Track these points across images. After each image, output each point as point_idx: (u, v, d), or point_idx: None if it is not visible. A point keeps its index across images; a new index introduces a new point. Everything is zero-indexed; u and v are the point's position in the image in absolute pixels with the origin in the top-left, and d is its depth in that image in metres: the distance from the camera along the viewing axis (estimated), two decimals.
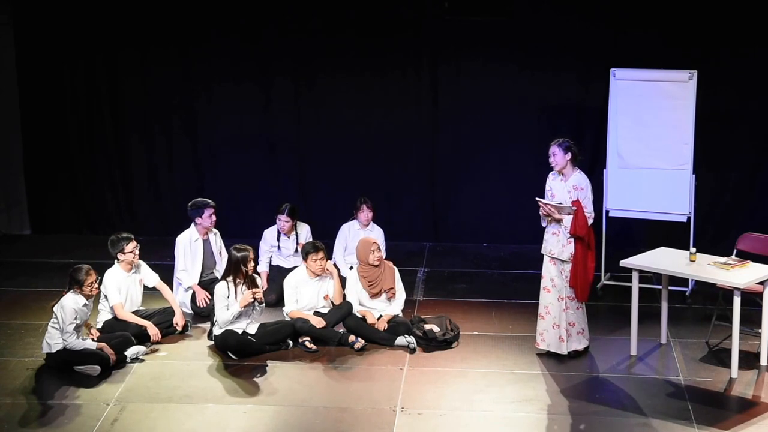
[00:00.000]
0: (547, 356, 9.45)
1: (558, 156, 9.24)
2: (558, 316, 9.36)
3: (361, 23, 12.23)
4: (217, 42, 12.41)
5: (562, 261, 9.27)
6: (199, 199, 10.67)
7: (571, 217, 9.16)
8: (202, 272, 10.58)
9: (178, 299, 10.34)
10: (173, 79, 12.58)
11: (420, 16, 12.18)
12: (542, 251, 9.40)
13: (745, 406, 8.62)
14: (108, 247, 9.84)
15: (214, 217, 10.59)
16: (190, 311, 10.44)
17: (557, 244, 9.27)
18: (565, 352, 9.39)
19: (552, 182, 9.37)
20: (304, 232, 11.13)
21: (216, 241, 10.74)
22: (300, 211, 11.28)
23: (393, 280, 10.03)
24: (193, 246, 10.56)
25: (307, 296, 9.94)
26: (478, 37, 12.15)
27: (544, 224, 9.35)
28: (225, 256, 10.48)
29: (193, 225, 10.60)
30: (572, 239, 9.20)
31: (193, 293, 10.49)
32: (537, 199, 9.23)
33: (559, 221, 9.20)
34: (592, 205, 9.29)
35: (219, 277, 9.96)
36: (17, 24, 12.53)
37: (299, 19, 12.27)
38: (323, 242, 10.11)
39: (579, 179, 9.29)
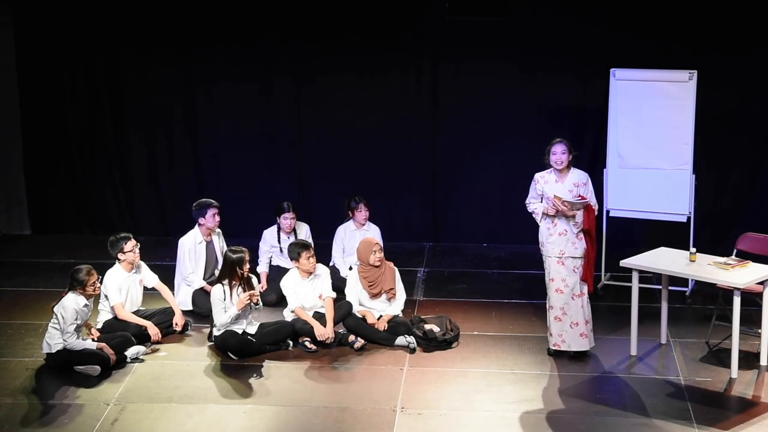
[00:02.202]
0: (547, 356, 9.45)
1: (565, 155, 9.20)
2: (575, 314, 9.32)
3: (361, 23, 12.23)
4: (217, 42, 12.40)
5: (574, 258, 9.25)
6: (203, 199, 10.67)
7: (581, 212, 9.16)
8: (204, 274, 10.58)
9: (179, 299, 10.33)
10: (173, 79, 12.58)
11: (420, 16, 12.18)
12: (548, 254, 9.29)
13: (745, 406, 8.62)
14: (108, 249, 9.83)
15: (217, 218, 10.59)
16: (190, 308, 10.40)
17: (567, 243, 9.23)
18: (590, 347, 9.38)
19: (545, 185, 9.28)
20: (304, 231, 11.14)
21: (219, 242, 10.73)
22: (300, 211, 11.29)
23: (393, 281, 10.02)
24: (198, 249, 10.56)
25: (304, 297, 9.92)
26: (478, 37, 12.15)
27: (541, 220, 9.27)
28: None
29: (197, 226, 10.60)
30: (581, 234, 9.19)
31: (194, 293, 10.45)
32: (555, 195, 9.13)
33: (570, 217, 9.18)
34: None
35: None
36: (17, 24, 12.53)
37: (299, 19, 12.27)
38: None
39: (578, 175, 9.28)
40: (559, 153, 9.21)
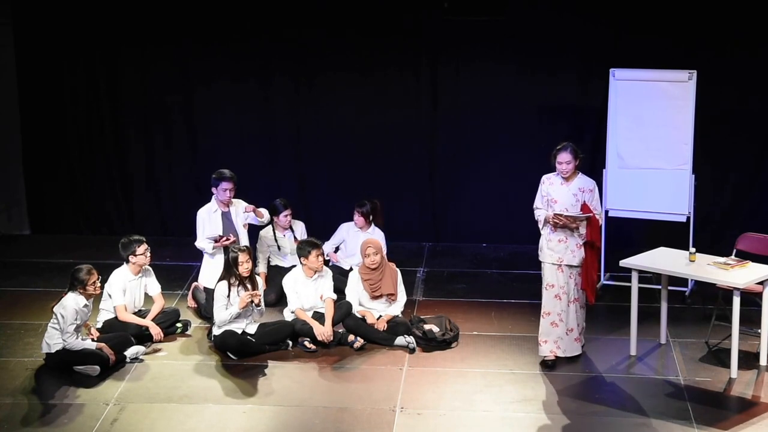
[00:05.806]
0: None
1: (570, 165, 9.10)
2: (571, 320, 9.27)
3: (360, 23, 12.23)
4: (216, 41, 12.39)
5: (572, 266, 9.20)
6: (222, 170, 10.56)
7: (584, 223, 9.11)
8: None
9: (203, 274, 10.30)
10: (173, 78, 12.57)
11: (419, 16, 12.17)
12: (546, 260, 9.23)
13: (744, 406, 8.62)
14: (119, 250, 9.79)
15: (228, 193, 10.45)
16: (211, 285, 10.34)
17: (566, 251, 9.17)
18: (581, 350, 9.37)
19: (550, 187, 9.23)
20: (300, 228, 11.15)
21: (238, 211, 10.63)
22: (299, 211, 11.28)
23: (395, 285, 9.99)
24: (213, 217, 10.49)
25: (305, 296, 9.93)
26: (478, 37, 12.15)
27: (546, 230, 9.23)
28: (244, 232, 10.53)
29: (213, 196, 10.55)
30: (581, 243, 9.16)
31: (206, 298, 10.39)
32: (555, 213, 9.08)
33: (575, 229, 9.14)
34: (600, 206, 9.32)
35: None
36: (17, 24, 12.53)
37: (299, 18, 12.27)
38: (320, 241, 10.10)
39: (584, 182, 9.22)
40: (564, 163, 9.10)
